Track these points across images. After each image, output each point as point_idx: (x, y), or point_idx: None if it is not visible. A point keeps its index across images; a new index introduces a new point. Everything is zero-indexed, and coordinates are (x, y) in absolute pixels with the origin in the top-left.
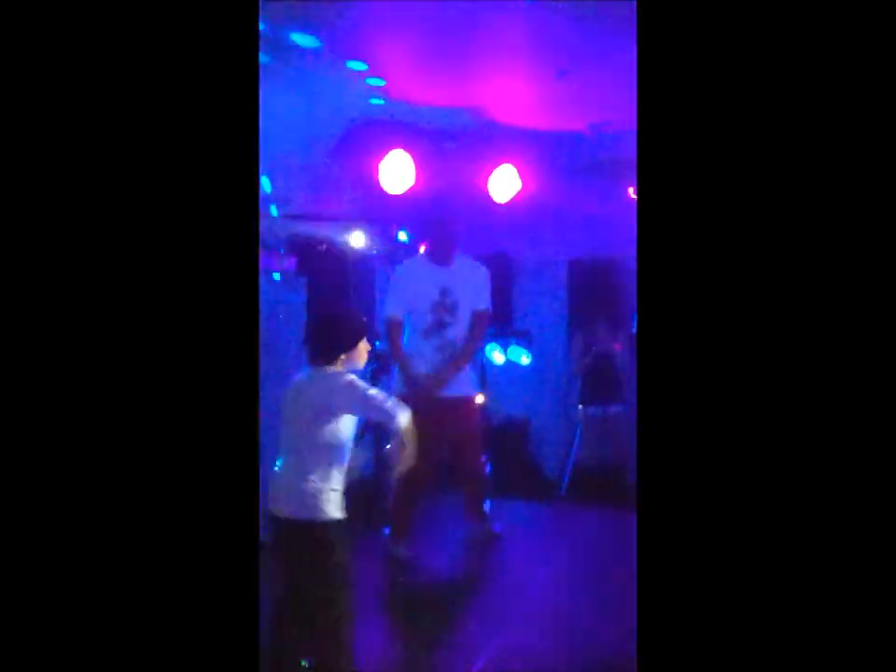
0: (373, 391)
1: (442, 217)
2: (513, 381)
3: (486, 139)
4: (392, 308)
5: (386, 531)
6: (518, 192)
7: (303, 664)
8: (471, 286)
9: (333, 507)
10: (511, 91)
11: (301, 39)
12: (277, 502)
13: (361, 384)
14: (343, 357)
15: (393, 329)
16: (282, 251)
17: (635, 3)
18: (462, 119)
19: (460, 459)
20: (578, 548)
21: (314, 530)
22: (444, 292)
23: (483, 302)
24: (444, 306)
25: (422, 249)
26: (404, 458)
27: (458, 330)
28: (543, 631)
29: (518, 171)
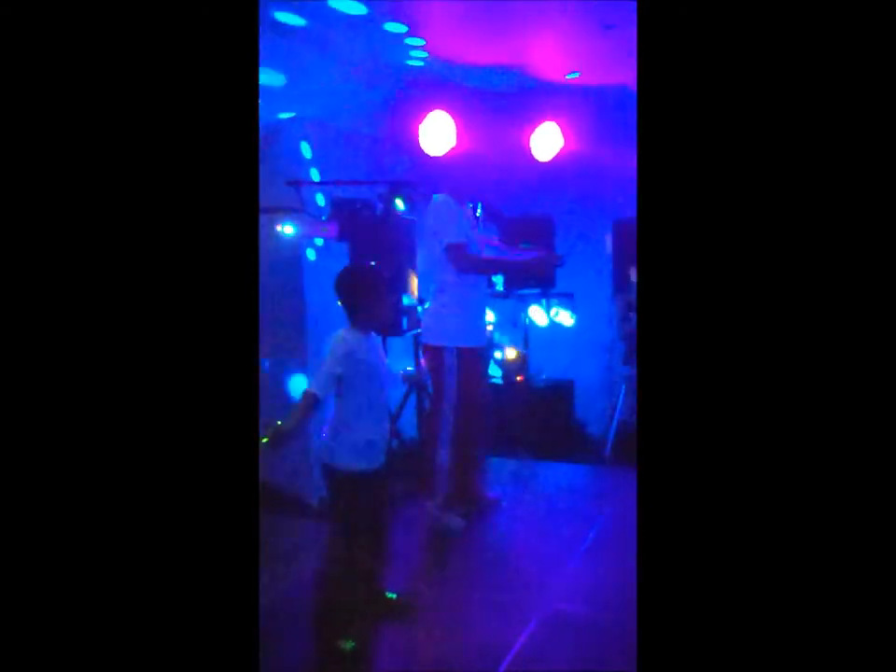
0: (326, 365)
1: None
2: (557, 342)
3: (529, 97)
4: (459, 237)
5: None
6: (561, 150)
7: (350, 645)
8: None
9: (338, 455)
10: (556, 46)
11: (343, 4)
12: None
13: (329, 350)
14: (359, 313)
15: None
16: (323, 218)
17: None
18: (504, 79)
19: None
20: (626, 510)
21: (328, 473)
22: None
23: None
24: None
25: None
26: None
27: None
28: (588, 599)
29: (561, 129)
